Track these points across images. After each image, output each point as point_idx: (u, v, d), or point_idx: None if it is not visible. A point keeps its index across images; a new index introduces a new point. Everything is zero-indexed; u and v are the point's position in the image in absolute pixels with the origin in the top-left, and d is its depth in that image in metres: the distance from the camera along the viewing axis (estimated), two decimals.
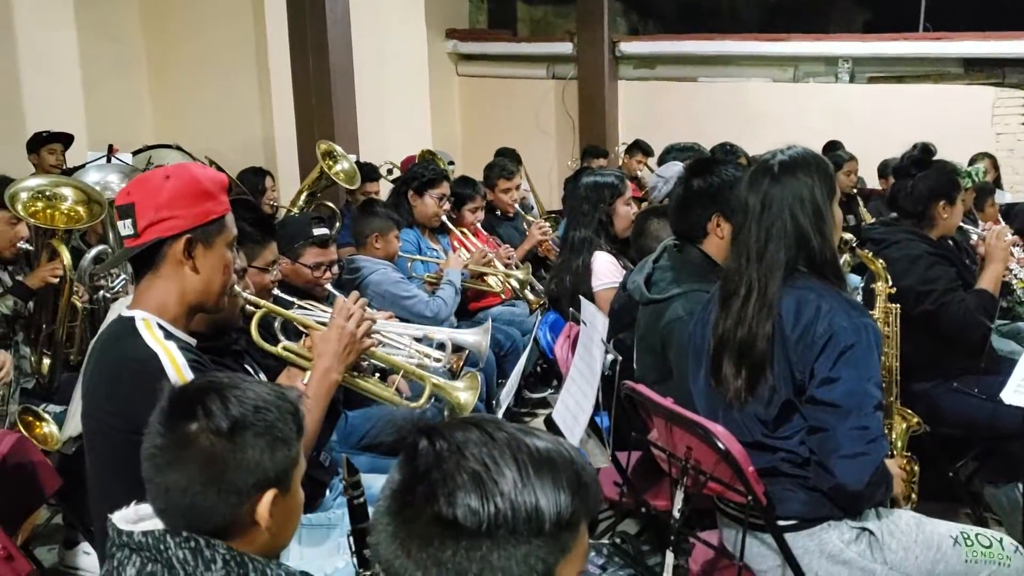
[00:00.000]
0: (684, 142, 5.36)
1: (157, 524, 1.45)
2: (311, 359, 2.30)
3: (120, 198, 2.05)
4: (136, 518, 1.47)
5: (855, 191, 6.50)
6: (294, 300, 2.85)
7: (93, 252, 3.86)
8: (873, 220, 4.80)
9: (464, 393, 2.45)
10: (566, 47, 9.50)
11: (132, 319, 2.02)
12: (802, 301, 2.12)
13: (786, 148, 2.24)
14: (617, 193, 3.92)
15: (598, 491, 1.07)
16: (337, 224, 5.30)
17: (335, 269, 3.61)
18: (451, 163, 7.26)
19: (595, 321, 2.59)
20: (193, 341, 2.08)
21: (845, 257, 4.22)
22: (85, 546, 3.47)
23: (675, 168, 4.18)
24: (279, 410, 1.46)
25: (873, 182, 7.11)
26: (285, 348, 2.36)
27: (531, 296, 4.95)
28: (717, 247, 2.77)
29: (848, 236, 2.85)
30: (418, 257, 4.86)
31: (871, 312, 2.44)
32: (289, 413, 1.48)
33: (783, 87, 8.97)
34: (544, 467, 1.01)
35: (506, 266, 5.18)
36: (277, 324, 2.44)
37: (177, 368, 1.93)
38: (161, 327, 2.01)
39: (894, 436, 2.65)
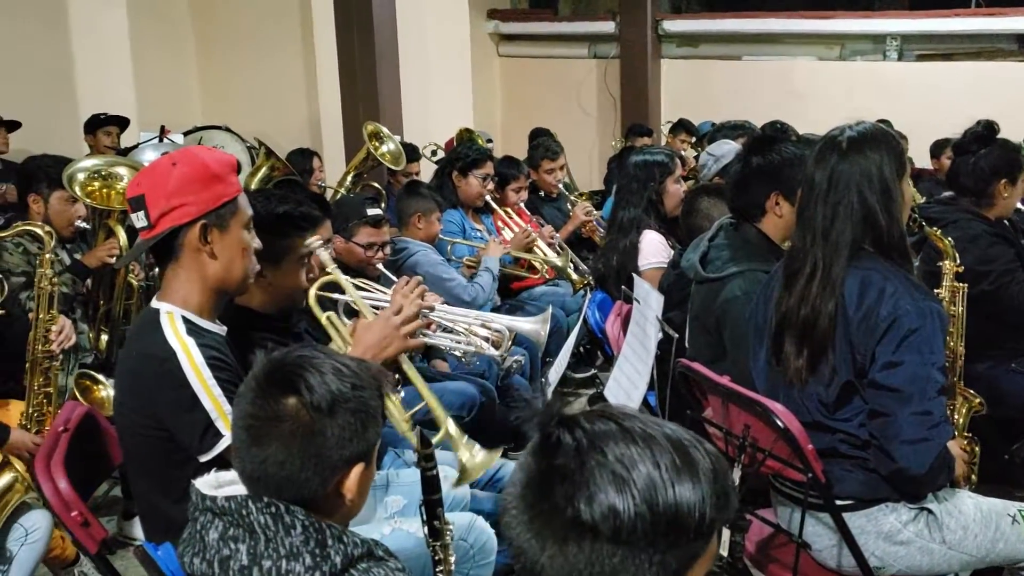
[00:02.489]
0: (735, 120, 5.32)
1: (239, 490, 1.49)
2: (349, 344, 2.24)
3: (130, 190, 2.02)
4: (217, 484, 1.51)
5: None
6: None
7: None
8: (923, 200, 4.73)
9: (476, 458, 2.17)
10: (608, 26, 9.43)
11: (157, 312, 2.03)
12: (866, 282, 2.09)
13: (855, 123, 2.20)
14: (667, 171, 3.90)
15: (735, 494, 1.04)
16: (383, 204, 5.37)
17: (387, 249, 3.65)
18: (489, 140, 7.27)
19: (649, 299, 2.59)
20: (222, 330, 2.07)
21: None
22: None
23: (726, 147, 4.15)
24: (370, 387, 1.49)
25: (922, 162, 7.00)
26: (329, 320, 2.30)
27: (575, 276, 4.95)
28: (775, 226, 2.74)
29: (914, 215, 2.81)
30: (459, 240, 4.86)
31: (937, 292, 2.41)
32: (377, 389, 1.51)
33: (829, 65, 8.83)
34: (686, 469, 0.99)
35: (549, 246, 5.19)
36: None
37: (195, 367, 1.93)
38: (185, 320, 2.00)
39: (956, 417, 2.62)
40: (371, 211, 3.47)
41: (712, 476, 1.00)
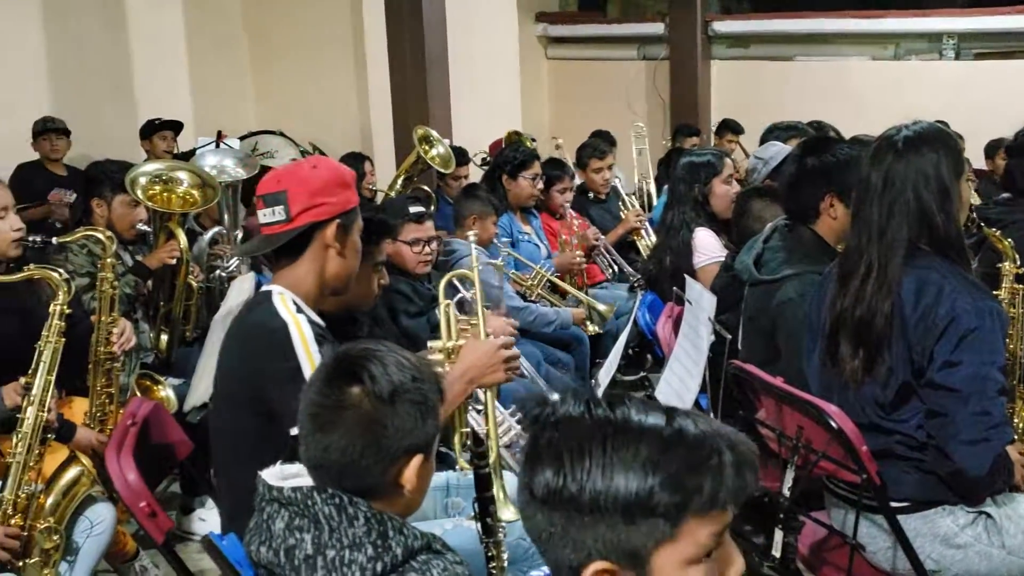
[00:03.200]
0: (786, 121, 5.28)
1: (304, 481, 1.53)
2: (446, 357, 2.28)
3: (268, 186, 2.17)
4: (282, 476, 1.56)
5: None
6: None
7: (209, 234, 4.03)
8: (981, 201, 4.65)
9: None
10: (657, 27, 9.39)
11: (269, 292, 2.15)
12: (924, 282, 2.08)
13: (912, 123, 2.18)
14: (713, 172, 3.90)
15: (722, 486, 1.07)
16: (432, 207, 5.42)
17: (433, 245, 3.69)
18: (532, 140, 7.30)
19: (701, 300, 2.59)
20: (322, 322, 2.18)
21: None
22: (201, 512, 3.64)
23: (775, 148, 4.12)
24: (430, 380, 1.54)
25: (980, 163, 6.87)
26: (447, 309, 2.30)
27: (601, 307, 4.80)
28: (830, 228, 2.72)
29: (972, 215, 2.77)
30: (514, 253, 4.80)
31: (996, 293, 2.38)
32: (436, 383, 1.57)
33: (883, 65, 8.69)
34: (627, 456, 1.06)
35: (593, 248, 5.20)
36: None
37: (304, 339, 2.04)
38: (295, 302, 2.13)
39: (1016, 421, 2.59)
40: (413, 208, 3.53)
41: (679, 454, 1.06)
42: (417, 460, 1.53)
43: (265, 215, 2.16)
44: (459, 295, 2.41)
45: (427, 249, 3.62)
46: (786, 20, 8.99)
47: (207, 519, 3.56)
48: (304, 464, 1.55)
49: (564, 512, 1.08)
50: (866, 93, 8.22)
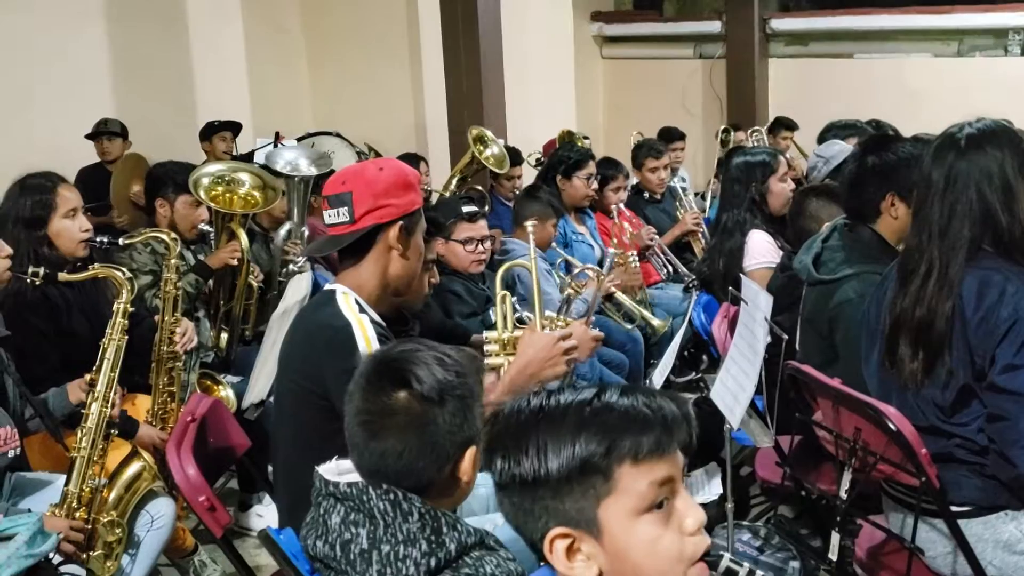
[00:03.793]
0: (844, 120, 5.19)
1: (360, 476, 1.56)
2: (505, 350, 2.34)
3: (332, 187, 2.19)
4: (338, 471, 1.59)
5: None
6: None
7: (284, 230, 4.09)
8: None
9: None
10: (714, 26, 9.30)
11: (333, 292, 2.19)
12: (985, 282, 2.03)
13: (975, 120, 2.14)
14: (769, 171, 3.83)
15: (644, 434, 1.16)
16: (487, 207, 5.45)
17: (487, 244, 3.70)
18: (586, 138, 7.29)
19: (757, 300, 2.56)
20: (383, 322, 2.21)
21: None
22: (259, 508, 3.70)
23: (836, 147, 4.06)
24: (471, 372, 1.56)
25: None
26: (504, 298, 2.36)
27: (655, 322, 4.79)
28: (890, 228, 2.68)
29: None
30: (572, 259, 4.75)
31: None
32: (477, 373, 1.58)
33: (946, 62, 8.49)
34: (556, 432, 1.17)
35: (647, 248, 5.16)
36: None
37: (367, 339, 2.07)
38: (357, 302, 2.16)
39: None
40: (466, 208, 3.55)
41: (601, 413, 1.17)
42: (472, 451, 1.55)
43: (330, 216, 2.18)
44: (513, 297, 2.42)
45: (480, 248, 3.64)
46: (846, 17, 8.83)
47: (264, 515, 3.62)
48: (359, 471, 1.57)
49: (518, 493, 1.20)
50: (927, 91, 8.05)
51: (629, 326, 4.71)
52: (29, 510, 2.48)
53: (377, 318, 2.21)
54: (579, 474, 1.15)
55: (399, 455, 1.50)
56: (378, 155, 5.36)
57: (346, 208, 2.14)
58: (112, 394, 2.70)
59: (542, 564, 1.24)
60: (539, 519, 1.19)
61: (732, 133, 7.30)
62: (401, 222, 2.18)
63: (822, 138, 5.10)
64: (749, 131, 7.18)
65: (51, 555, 2.34)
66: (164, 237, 3.33)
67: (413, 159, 6.08)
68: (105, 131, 6.05)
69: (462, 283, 3.80)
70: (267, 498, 3.64)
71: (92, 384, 2.70)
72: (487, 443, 1.24)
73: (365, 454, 1.53)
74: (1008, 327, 2.00)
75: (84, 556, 2.52)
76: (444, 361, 1.55)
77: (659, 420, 1.17)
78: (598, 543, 1.18)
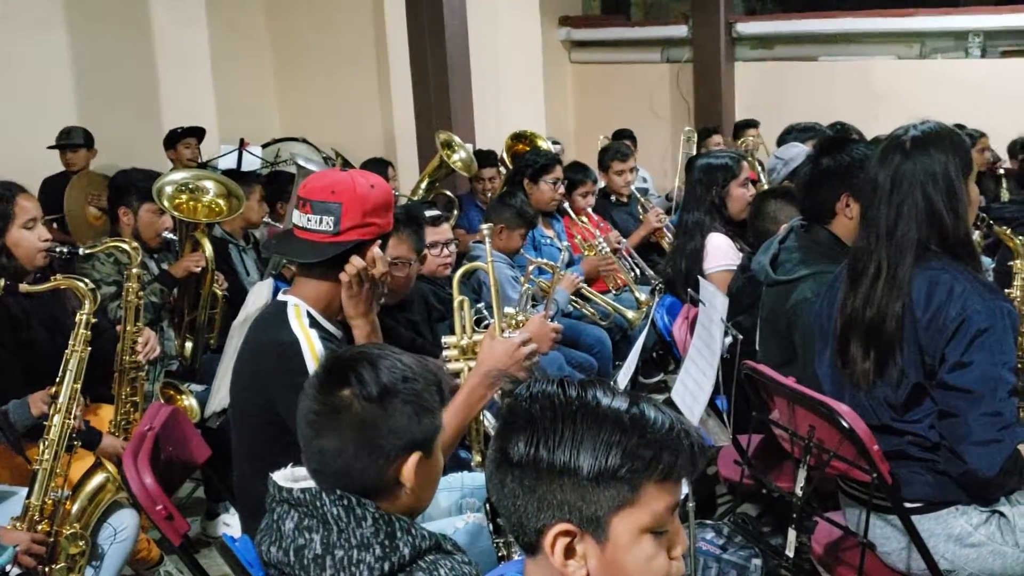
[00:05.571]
0: (804, 122, 5.26)
1: (313, 483, 1.56)
2: (461, 354, 2.33)
3: (320, 194, 2.15)
4: (293, 478, 1.59)
5: (990, 168, 6.24)
6: None
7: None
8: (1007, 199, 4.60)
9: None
10: (681, 30, 9.37)
11: (285, 304, 2.17)
12: (934, 282, 2.07)
13: (919, 123, 2.18)
14: (731, 175, 3.87)
15: (678, 459, 1.17)
16: (455, 211, 5.46)
17: (451, 248, 3.71)
18: (556, 143, 7.31)
19: (714, 301, 2.59)
20: (339, 334, 2.21)
21: (976, 236, 4.08)
22: (225, 517, 3.69)
23: (795, 149, 4.11)
24: (425, 380, 1.57)
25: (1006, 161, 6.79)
26: (461, 304, 2.36)
27: (641, 297, 4.92)
28: (846, 228, 2.71)
29: (982, 215, 2.76)
30: (539, 261, 4.78)
31: (1008, 292, 2.37)
32: (433, 384, 1.59)
33: (909, 64, 8.61)
34: (595, 429, 1.16)
35: (614, 251, 5.20)
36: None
37: (315, 355, 2.06)
38: (309, 315, 2.15)
39: None
40: (428, 213, 3.57)
41: (634, 432, 1.17)
42: (415, 458, 1.55)
43: (310, 220, 2.14)
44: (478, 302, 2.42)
45: (445, 251, 3.65)
46: (811, 20, 8.93)
47: (231, 524, 3.60)
48: (307, 470, 1.57)
49: (534, 476, 1.18)
50: (891, 93, 8.16)
51: (604, 322, 4.76)
52: None
53: (333, 329, 2.20)
54: (609, 479, 1.15)
55: (338, 453, 1.51)
56: (346, 161, 5.35)
57: (332, 218, 2.11)
58: (75, 406, 2.68)
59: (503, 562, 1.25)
60: (546, 509, 1.18)
61: (695, 137, 7.33)
62: (379, 241, 2.19)
63: (782, 140, 5.16)
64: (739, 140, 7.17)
65: (8, 568, 2.32)
66: (125, 247, 3.31)
67: (380, 164, 6.09)
68: (68, 143, 5.97)
69: (431, 289, 3.81)
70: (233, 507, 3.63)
71: (55, 396, 2.68)
72: (505, 417, 1.22)
73: (309, 452, 1.55)
74: (956, 325, 2.04)
75: (47, 569, 2.50)
76: (395, 366, 1.55)
77: (687, 447, 1.18)
78: (599, 548, 1.18)
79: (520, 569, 1.27)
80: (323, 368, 1.59)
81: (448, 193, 5.66)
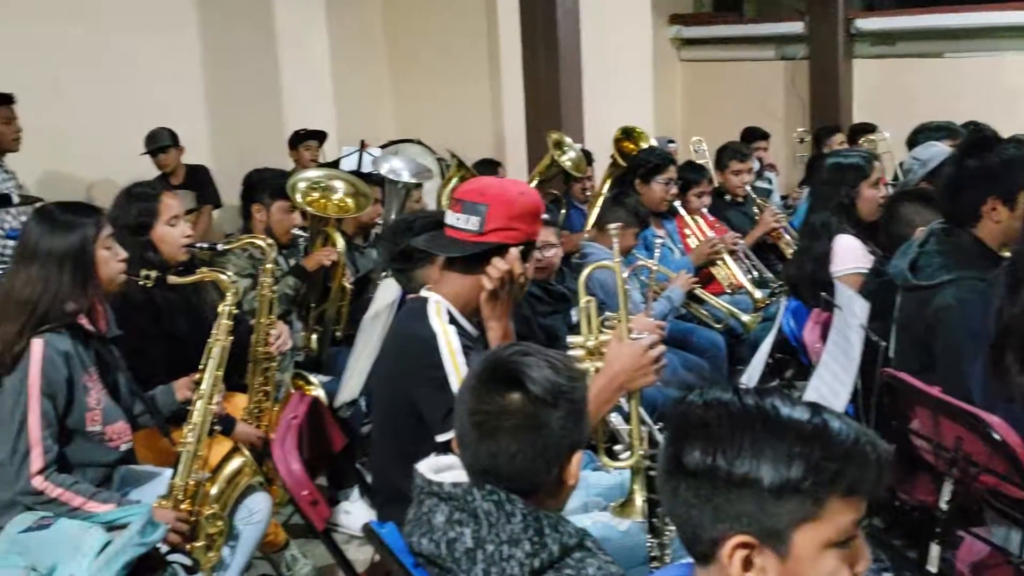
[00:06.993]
0: (936, 121, 5.06)
1: (461, 475, 1.59)
2: (587, 354, 2.32)
3: (470, 194, 2.25)
4: (437, 468, 1.63)
5: None
6: None
7: None
8: None
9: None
10: (796, 26, 9.14)
11: (426, 300, 2.24)
12: None
13: None
14: (862, 175, 3.73)
15: (864, 472, 1.13)
16: (563, 211, 5.46)
17: (549, 252, 3.69)
18: (671, 142, 7.23)
19: (852, 305, 2.53)
20: (475, 332, 2.26)
21: None
22: (346, 505, 3.78)
23: (933, 149, 3.94)
24: (581, 378, 1.59)
25: None
26: (587, 305, 2.29)
27: (757, 295, 4.83)
28: (992, 232, 2.60)
29: None
30: (650, 263, 4.71)
31: None
32: (584, 383, 1.61)
33: None
34: (776, 440, 1.13)
35: (732, 252, 5.11)
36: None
37: (451, 351, 2.12)
38: (449, 312, 2.21)
39: None
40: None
41: (816, 444, 1.13)
42: (578, 455, 1.58)
43: (458, 219, 2.22)
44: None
45: (549, 253, 3.64)
46: (936, 15, 8.59)
47: (351, 511, 3.69)
48: (467, 471, 1.60)
49: (711, 485, 1.15)
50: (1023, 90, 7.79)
51: (717, 325, 4.69)
52: (139, 501, 2.60)
53: (470, 328, 2.25)
54: (792, 491, 1.12)
55: (512, 456, 1.53)
56: (460, 162, 5.40)
57: (478, 219, 2.18)
58: (216, 392, 2.80)
59: (654, 567, 1.25)
60: (723, 520, 1.15)
61: (808, 137, 7.13)
62: (522, 247, 2.22)
63: (912, 141, 4.97)
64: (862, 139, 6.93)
65: (159, 544, 2.44)
66: (260, 243, 3.44)
67: (491, 165, 6.15)
68: (157, 147, 5.97)
69: (537, 284, 3.80)
70: (354, 494, 3.72)
71: (197, 383, 2.81)
72: (680, 423, 1.20)
73: (478, 454, 1.56)
74: None
75: (188, 546, 2.62)
76: (555, 365, 1.57)
77: (875, 461, 1.15)
78: (780, 561, 1.15)
79: (687, 574, 1.26)
80: (486, 367, 1.60)
81: (555, 192, 5.66)
